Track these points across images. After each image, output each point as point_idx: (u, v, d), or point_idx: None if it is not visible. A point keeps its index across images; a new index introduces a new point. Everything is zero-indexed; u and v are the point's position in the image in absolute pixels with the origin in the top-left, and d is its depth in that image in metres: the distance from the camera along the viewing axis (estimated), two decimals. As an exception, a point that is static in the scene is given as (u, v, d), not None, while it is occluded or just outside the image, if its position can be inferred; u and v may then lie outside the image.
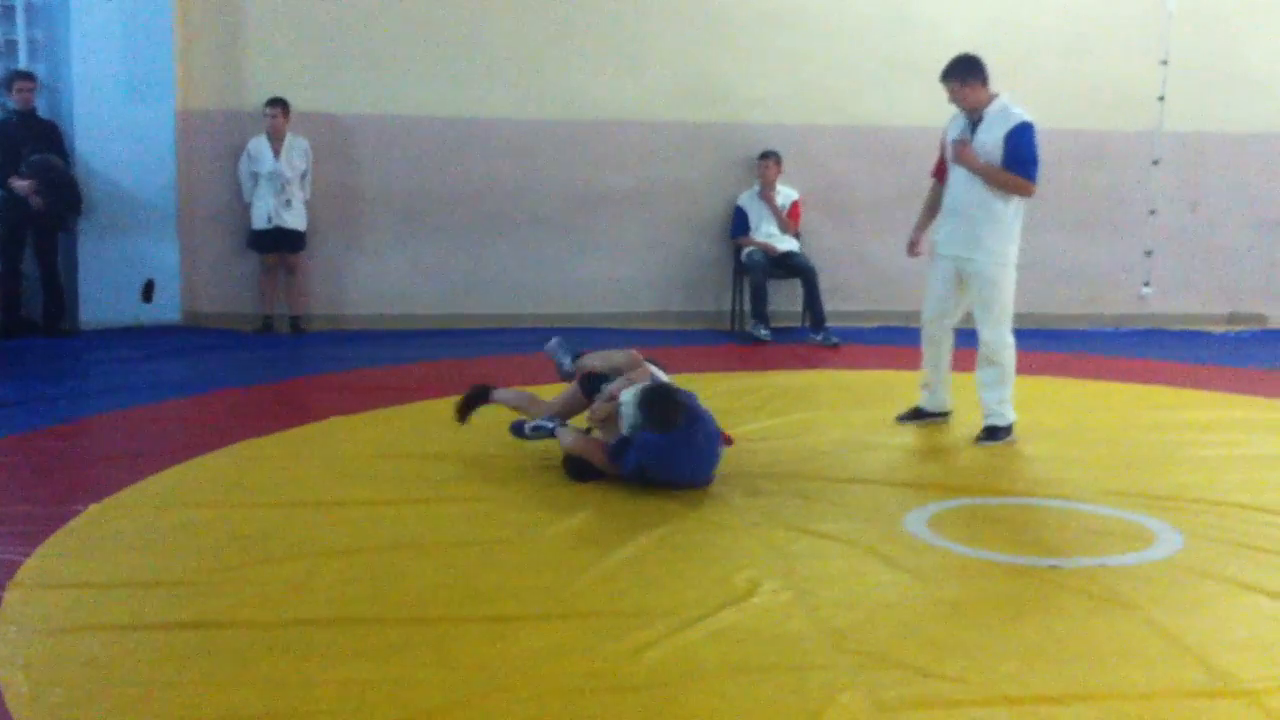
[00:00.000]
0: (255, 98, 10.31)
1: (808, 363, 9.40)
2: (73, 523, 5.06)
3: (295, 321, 10.47)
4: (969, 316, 6.84)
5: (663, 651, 3.85)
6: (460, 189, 10.75)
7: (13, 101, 9.76)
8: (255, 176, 10.24)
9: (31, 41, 10.12)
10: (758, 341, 10.09)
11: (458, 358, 9.31)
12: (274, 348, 9.81)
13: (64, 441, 6.61)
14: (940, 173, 6.98)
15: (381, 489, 5.67)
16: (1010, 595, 4.46)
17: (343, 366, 8.89)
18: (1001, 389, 6.69)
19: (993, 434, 6.66)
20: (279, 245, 10.34)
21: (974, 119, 6.69)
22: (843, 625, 4.10)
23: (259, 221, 10.26)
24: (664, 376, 6.11)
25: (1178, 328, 11.41)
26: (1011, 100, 6.71)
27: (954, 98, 6.69)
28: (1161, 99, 11.32)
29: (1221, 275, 11.61)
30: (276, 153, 10.19)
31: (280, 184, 10.18)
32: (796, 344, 10.22)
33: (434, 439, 6.50)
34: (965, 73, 6.63)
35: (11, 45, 10.07)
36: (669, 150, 10.93)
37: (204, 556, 4.70)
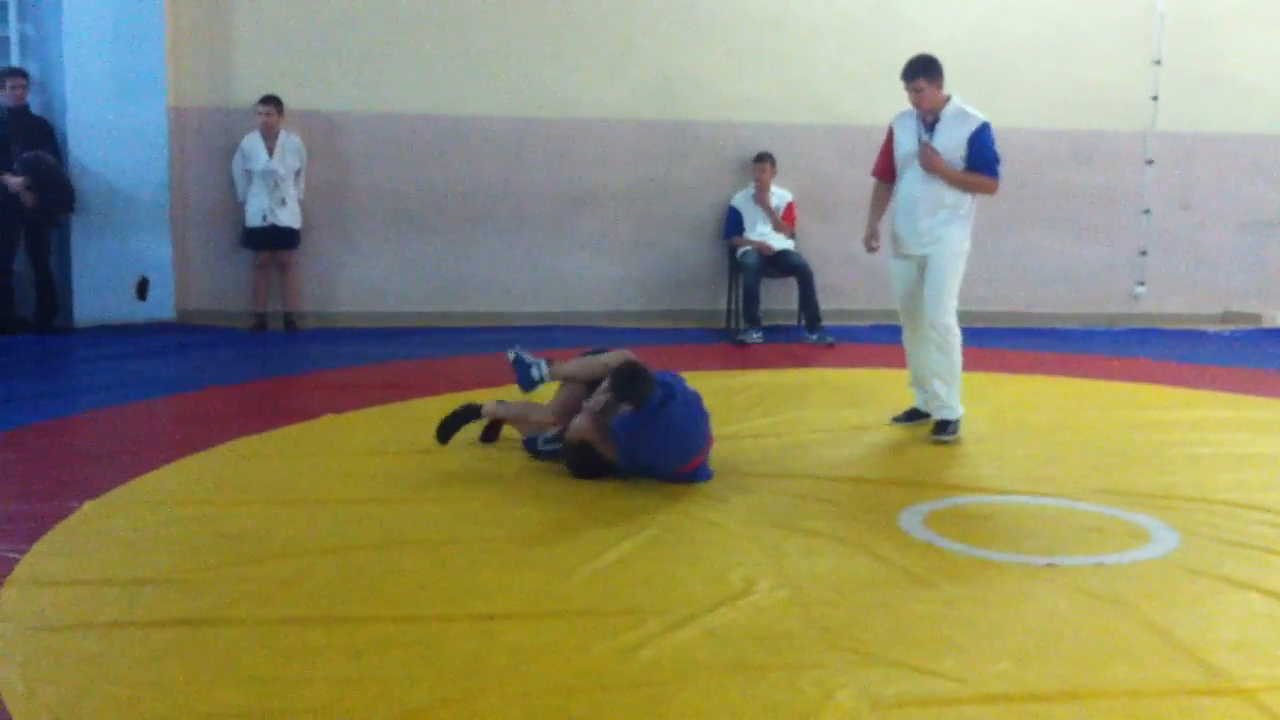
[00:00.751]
0: (247, 95, 10.30)
1: (802, 361, 9.40)
2: (66, 520, 5.05)
3: (288, 319, 10.45)
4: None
5: (656, 650, 3.85)
6: (451, 187, 10.75)
7: (5, 98, 9.74)
8: (248, 174, 10.22)
9: (23, 38, 10.10)
10: (747, 346, 10.07)
11: (449, 356, 9.31)
12: (267, 345, 9.80)
13: (57, 439, 6.60)
14: (885, 171, 6.97)
15: (372, 487, 5.66)
16: (1005, 593, 4.46)
17: (335, 364, 8.89)
18: (951, 381, 6.72)
19: (943, 428, 6.72)
20: (273, 243, 10.33)
21: (929, 120, 6.68)
22: (837, 624, 4.10)
23: (253, 219, 10.25)
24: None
25: (1172, 327, 11.43)
26: (962, 101, 6.73)
27: (917, 98, 6.66)
28: (1155, 99, 11.35)
29: (1215, 275, 11.64)
30: (270, 150, 10.18)
31: (274, 182, 10.17)
32: (791, 343, 10.23)
33: (425, 437, 6.49)
34: (933, 72, 6.62)
35: (3, 42, 10.05)
36: (657, 149, 10.94)
37: (196, 554, 4.69)
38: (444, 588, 4.40)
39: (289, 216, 10.30)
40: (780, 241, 10.60)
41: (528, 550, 4.84)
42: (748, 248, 10.56)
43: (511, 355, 6.45)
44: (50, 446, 6.43)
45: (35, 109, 10.03)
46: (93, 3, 9.94)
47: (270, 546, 4.79)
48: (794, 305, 10.71)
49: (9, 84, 9.71)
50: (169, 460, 6.02)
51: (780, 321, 10.81)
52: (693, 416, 5.77)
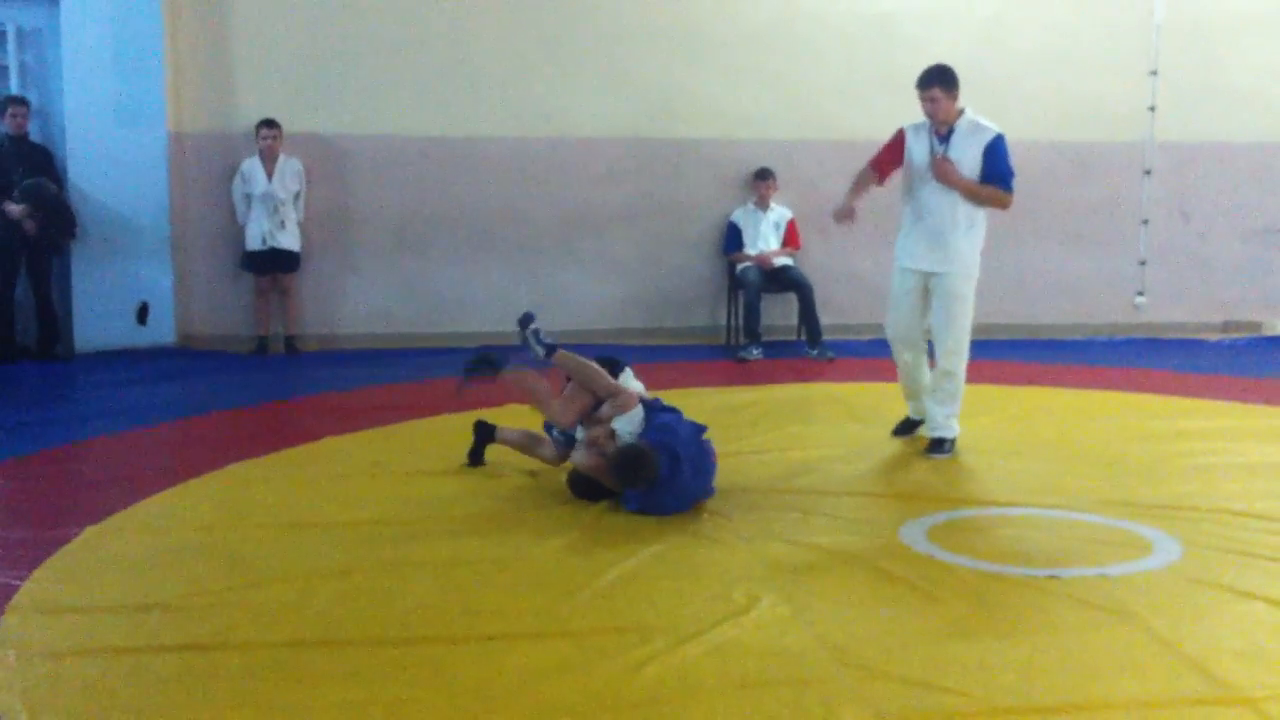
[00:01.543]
0: (246, 120, 10.34)
1: (802, 376, 9.40)
2: (68, 546, 5.05)
3: (289, 342, 10.47)
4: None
5: (661, 668, 3.84)
6: (451, 208, 10.78)
7: (5, 126, 9.78)
8: (248, 198, 10.25)
9: (23, 66, 10.15)
10: (748, 362, 10.07)
11: (450, 377, 9.26)
12: (268, 369, 9.81)
13: (59, 465, 6.59)
14: (880, 166, 6.80)
15: (375, 509, 5.66)
16: (1008, 606, 4.45)
17: (336, 387, 8.89)
18: (953, 404, 6.68)
19: (939, 446, 6.66)
20: (273, 266, 10.35)
21: (942, 132, 6.59)
22: (841, 639, 4.09)
23: (253, 243, 10.27)
24: (640, 388, 6.06)
25: (1172, 337, 11.43)
26: (977, 113, 6.65)
27: (932, 108, 6.54)
28: (1152, 109, 11.37)
29: (1215, 284, 11.65)
30: (270, 174, 10.22)
31: (274, 205, 10.20)
32: (791, 358, 10.23)
33: (427, 458, 6.50)
34: (949, 81, 6.53)
35: (3, 71, 10.09)
36: (658, 167, 10.98)
37: (199, 579, 4.69)
38: (448, 609, 4.40)
39: (289, 239, 10.33)
40: (780, 258, 10.61)
41: (531, 570, 4.83)
42: (748, 264, 10.57)
43: (525, 330, 6.36)
44: (52, 473, 6.43)
45: (35, 136, 10.07)
46: (92, 31, 9.98)
47: (273, 570, 4.79)
48: (794, 321, 10.73)
49: (9, 112, 9.75)
50: (171, 485, 6.02)
51: (781, 337, 10.82)
52: (699, 470, 5.64)
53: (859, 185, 6.86)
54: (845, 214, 6.83)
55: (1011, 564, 4.88)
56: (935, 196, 6.58)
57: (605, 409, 5.88)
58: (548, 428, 6.27)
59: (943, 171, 6.50)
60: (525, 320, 6.39)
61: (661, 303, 11.12)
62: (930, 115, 6.57)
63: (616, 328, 10.98)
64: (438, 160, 10.74)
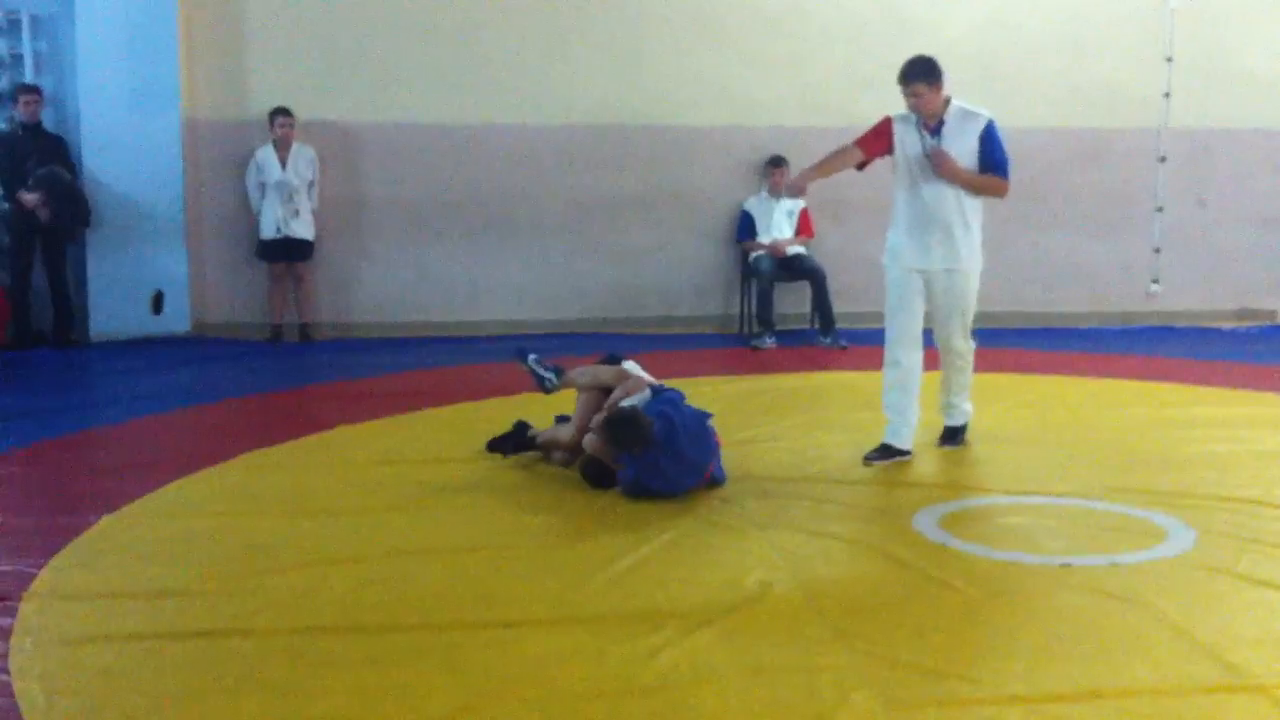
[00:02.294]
0: (260, 107, 10.36)
1: (815, 365, 9.40)
2: (85, 534, 5.07)
3: (303, 330, 10.49)
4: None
5: (673, 654, 3.85)
6: (465, 196, 10.78)
7: (19, 114, 9.81)
8: (262, 186, 10.27)
9: (37, 54, 10.18)
10: (761, 350, 10.07)
11: (464, 364, 9.33)
12: (282, 357, 9.85)
13: (74, 453, 6.63)
14: (866, 148, 6.32)
15: (389, 496, 5.68)
16: (1021, 594, 4.46)
17: (350, 375, 8.91)
18: (965, 391, 6.54)
19: (953, 435, 6.57)
20: (287, 254, 10.37)
21: (932, 125, 6.20)
22: (853, 626, 4.10)
23: (267, 231, 10.29)
24: (652, 381, 6.08)
25: (1187, 324, 11.40)
26: (962, 101, 6.27)
27: (916, 103, 6.16)
28: (1167, 96, 11.32)
29: (1230, 271, 11.60)
30: (283, 162, 10.23)
31: (288, 193, 10.21)
32: (804, 346, 10.23)
33: (441, 446, 6.52)
34: (932, 75, 6.13)
35: (17, 59, 10.12)
36: (672, 154, 10.97)
37: (214, 566, 4.71)
38: (461, 596, 4.41)
39: (303, 228, 10.35)
40: (793, 245, 10.60)
41: (544, 557, 4.85)
42: (761, 252, 10.57)
43: (525, 365, 6.37)
44: (68, 461, 6.47)
45: (50, 125, 10.09)
46: (106, 18, 9.99)
47: (288, 557, 4.81)
48: (807, 309, 10.73)
49: (22, 100, 9.77)
50: (186, 473, 6.04)
51: (794, 326, 10.82)
52: (698, 442, 5.66)
53: (832, 162, 6.40)
54: (797, 187, 6.50)
55: (1024, 552, 4.88)
56: (938, 192, 6.20)
57: (616, 393, 5.91)
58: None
59: (947, 168, 6.14)
60: (521, 354, 6.41)
61: (674, 291, 11.12)
62: (916, 110, 6.20)
63: (629, 316, 10.98)
64: (451, 147, 10.74)
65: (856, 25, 10.89)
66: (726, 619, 4.13)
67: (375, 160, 10.69)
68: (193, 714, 3.52)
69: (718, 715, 3.51)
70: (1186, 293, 11.60)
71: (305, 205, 10.33)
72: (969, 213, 6.26)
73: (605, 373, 6.17)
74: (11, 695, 3.59)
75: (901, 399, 6.37)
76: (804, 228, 10.73)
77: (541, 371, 6.32)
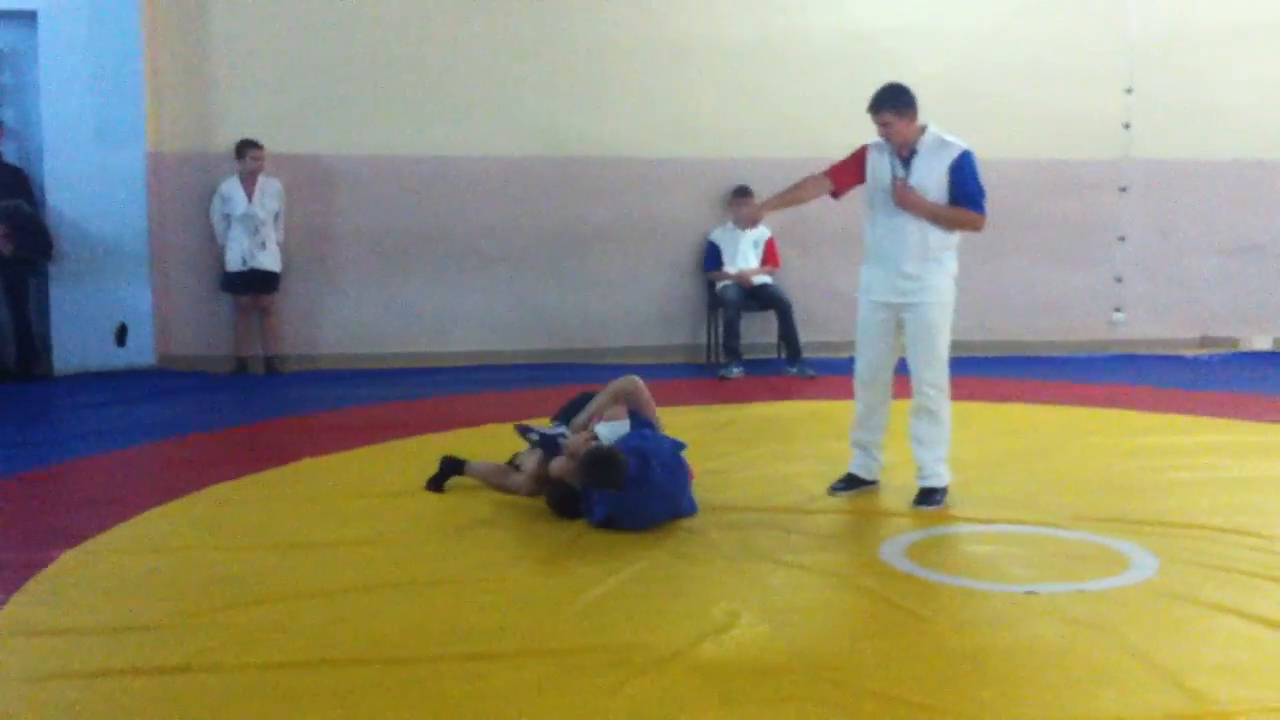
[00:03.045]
0: (225, 140, 10.34)
1: (783, 394, 9.43)
2: (47, 569, 5.03)
3: (270, 362, 10.46)
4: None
5: (641, 687, 3.85)
6: (434, 227, 10.79)
7: (-21, 147, 9.77)
8: (228, 219, 10.24)
9: (0, 87, 10.12)
10: (729, 380, 10.10)
11: (433, 396, 9.31)
12: (249, 389, 9.80)
13: (38, 487, 6.58)
14: (838, 177, 6.20)
15: (357, 529, 5.66)
16: (987, 622, 4.48)
17: (317, 407, 8.88)
18: (939, 447, 6.08)
19: (929, 497, 6.05)
20: (253, 287, 10.34)
21: (904, 154, 6.01)
22: (821, 656, 4.11)
23: (233, 263, 10.26)
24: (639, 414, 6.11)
25: (1150, 352, 11.50)
26: (941, 129, 6.06)
27: (885, 132, 5.99)
28: (1127, 127, 11.45)
29: (1192, 300, 11.72)
30: (250, 194, 10.21)
31: (254, 226, 10.19)
32: (772, 376, 10.26)
33: (408, 478, 6.50)
34: (901, 103, 5.94)
35: (-19, 91, 10.08)
36: (642, 186, 11.01)
37: (180, 601, 4.68)
38: (430, 629, 4.40)
39: (269, 260, 10.32)
40: (759, 276, 10.66)
41: (513, 590, 4.84)
42: (728, 282, 10.61)
43: (533, 437, 6.18)
44: (31, 495, 6.41)
45: (12, 157, 10.05)
46: (70, 51, 9.97)
47: (255, 591, 4.78)
48: (774, 338, 10.77)
49: (-17, 133, 9.74)
50: (151, 506, 6.01)
51: (761, 355, 10.86)
52: (671, 468, 5.66)
53: (796, 193, 6.24)
54: (751, 219, 6.39)
55: (990, 580, 4.91)
56: (899, 223, 6.00)
57: (587, 412, 5.95)
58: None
59: (904, 198, 5.94)
60: (524, 430, 6.31)
61: (642, 321, 11.15)
62: (885, 139, 6.04)
63: (597, 346, 11.00)
64: (419, 179, 10.75)
65: (823, 57, 10.97)
66: (694, 650, 4.14)
67: (342, 192, 10.68)
68: (158, 751, 3.49)
69: (686, 747, 3.51)
70: (1149, 321, 11.71)
71: (272, 237, 10.31)
72: (936, 246, 6.01)
73: (597, 404, 6.18)
74: (-26, 734, 3.56)
75: (864, 434, 6.28)
76: (770, 257, 10.79)
77: (548, 432, 6.17)
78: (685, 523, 5.69)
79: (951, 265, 6.10)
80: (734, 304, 10.46)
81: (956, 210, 6.01)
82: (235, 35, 10.42)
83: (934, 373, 6.05)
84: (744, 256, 10.73)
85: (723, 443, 7.41)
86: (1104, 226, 11.62)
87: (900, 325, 6.12)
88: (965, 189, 5.99)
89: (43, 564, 5.08)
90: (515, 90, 10.77)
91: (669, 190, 11.05)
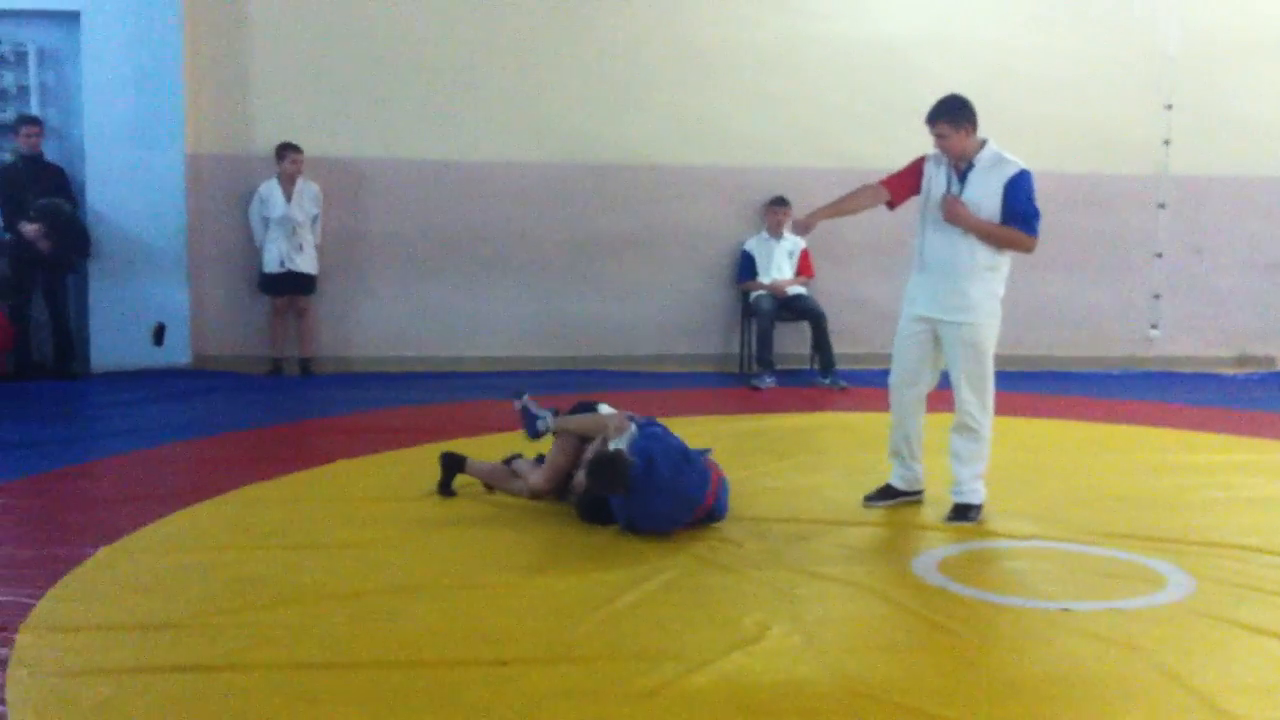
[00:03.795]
0: (264, 142, 10.41)
1: (815, 405, 9.41)
2: (82, 566, 5.07)
3: (304, 364, 10.50)
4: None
5: (670, 696, 3.84)
6: (466, 232, 10.82)
7: (20, 145, 9.84)
8: (266, 221, 10.30)
9: (43, 87, 10.23)
10: (761, 390, 10.07)
11: (462, 400, 9.33)
12: (282, 390, 9.85)
13: (73, 485, 6.62)
14: (895, 188, 6.12)
15: (386, 532, 5.67)
16: (1019, 638, 4.45)
17: (349, 409, 8.91)
18: (977, 464, 6.00)
19: (964, 513, 5.97)
20: (290, 288, 10.40)
21: (960, 168, 5.97)
22: (852, 669, 4.09)
23: (270, 265, 10.32)
24: (631, 416, 6.09)
25: (1186, 370, 11.41)
26: (1001, 147, 6.03)
27: (942, 144, 5.93)
28: (1167, 143, 11.38)
29: (1229, 318, 11.63)
30: (288, 197, 10.26)
31: (292, 228, 10.24)
32: (804, 387, 10.24)
33: (438, 482, 6.49)
34: (958, 115, 5.89)
35: (23, 90, 10.17)
36: (671, 193, 11.01)
37: (211, 600, 4.70)
38: (457, 633, 4.40)
39: (306, 262, 10.37)
40: (793, 286, 10.64)
41: (540, 595, 4.84)
42: (761, 292, 10.59)
43: (519, 405, 6.40)
44: (66, 492, 6.46)
45: (54, 156, 10.14)
46: (112, 51, 10.06)
47: (284, 592, 4.80)
48: (807, 349, 10.73)
49: (23, 131, 9.82)
50: (184, 505, 6.04)
51: (793, 365, 10.83)
52: (682, 474, 5.59)
53: (849, 202, 6.18)
54: (805, 225, 6.23)
55: (1024, 597, 4.88)
56: (947, 238, 5.93)
57: (597, 443, 5.93)
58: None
59: (952, 213, 5.87)
60: (516, 394, 6.42)
61: (674, 329, 11.14)
62: (943, 152, 5.97)
63: (627, 354, 11.00)
64: (452, 184, 10.79)
65: (855, 67, 10.94)
66: (723, 661, 4.12)
67: (377, 196, 10.73)
68: (187, 749, 3.50)
69: (714, 757, 3.50)
70: (1185, 338, 11.63)
71: (309, 240, 10.37)
72: (983, 263, 5.92)
73: (591, 423, 6.09)
74: (6, 728, 3.59)
75: (899, 445, 6.25)
76: (804, 268, 10.77)
77: (536, 411, 6.29)
78: (715, 531, 5.67)
79: (999, 285, 6.02)
80: (767, 314, 10.44)
81: (1006, 229, 5.92)
82: (274, 39, 10.49)
83: (976, 392, 5.99)
84: (778, 267, 10.71)
85: (754, 453, 7.39)
86: (1141, 243, 11.54)
87: (938, 341, 6.06)
88: (1018, 208, 5.90)
89: (76, 560, 5.11)
90: (547, 97, 10.80)
91: (698, 198, 11.04)
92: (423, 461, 7.01)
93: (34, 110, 10.10)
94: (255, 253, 10.42)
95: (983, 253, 5.93)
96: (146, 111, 10.14)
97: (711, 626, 4.47)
